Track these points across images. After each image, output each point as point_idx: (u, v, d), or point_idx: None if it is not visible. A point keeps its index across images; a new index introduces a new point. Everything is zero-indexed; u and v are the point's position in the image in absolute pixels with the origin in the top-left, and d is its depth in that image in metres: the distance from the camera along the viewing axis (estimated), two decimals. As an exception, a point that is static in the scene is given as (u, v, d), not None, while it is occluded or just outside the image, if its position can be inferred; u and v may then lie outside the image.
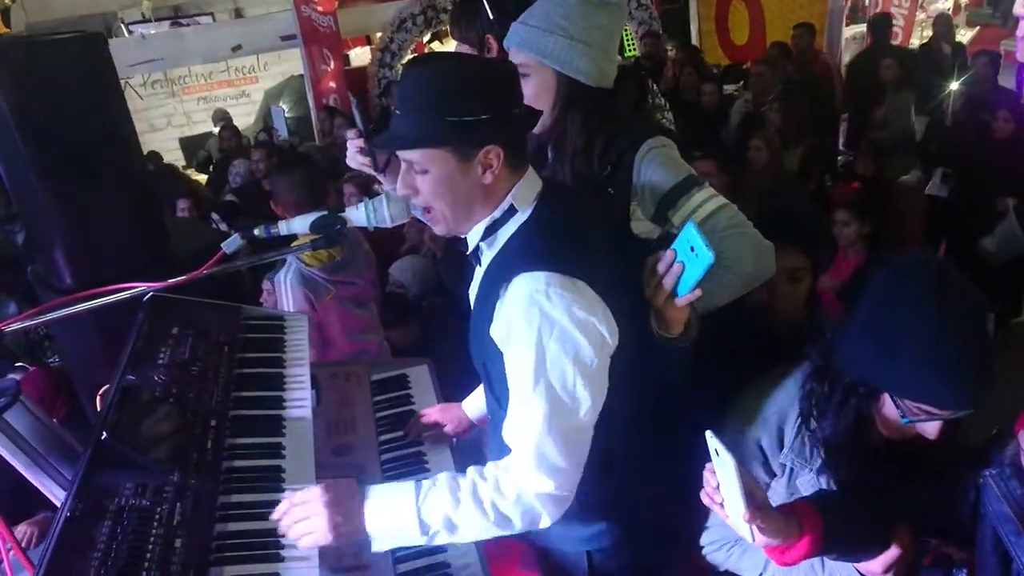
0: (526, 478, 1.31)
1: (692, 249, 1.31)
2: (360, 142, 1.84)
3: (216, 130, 8.02)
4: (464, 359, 3.07)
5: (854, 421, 1.40)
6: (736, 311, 1.64)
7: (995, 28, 10.61)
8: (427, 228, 4.03)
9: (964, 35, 9.79)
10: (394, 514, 1.33)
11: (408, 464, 1.83)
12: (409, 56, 8.91)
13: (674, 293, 1.36)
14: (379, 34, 8.02)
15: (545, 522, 1.34)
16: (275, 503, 1.43)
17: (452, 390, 2.11)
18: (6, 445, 1.40)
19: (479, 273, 1.46)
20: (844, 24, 8.09)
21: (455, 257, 3.56)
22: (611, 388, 1.36)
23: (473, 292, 1.51)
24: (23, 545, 2.95)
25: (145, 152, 4.59)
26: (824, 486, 1.49)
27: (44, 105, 2.28)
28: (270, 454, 1.56)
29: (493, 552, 1.61)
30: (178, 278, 1.42)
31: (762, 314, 1.86)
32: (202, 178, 7.34)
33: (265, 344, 1.92)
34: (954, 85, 5.64)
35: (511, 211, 1.38)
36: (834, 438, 1.42)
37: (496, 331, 1.36)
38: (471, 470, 1.37)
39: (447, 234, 1.42)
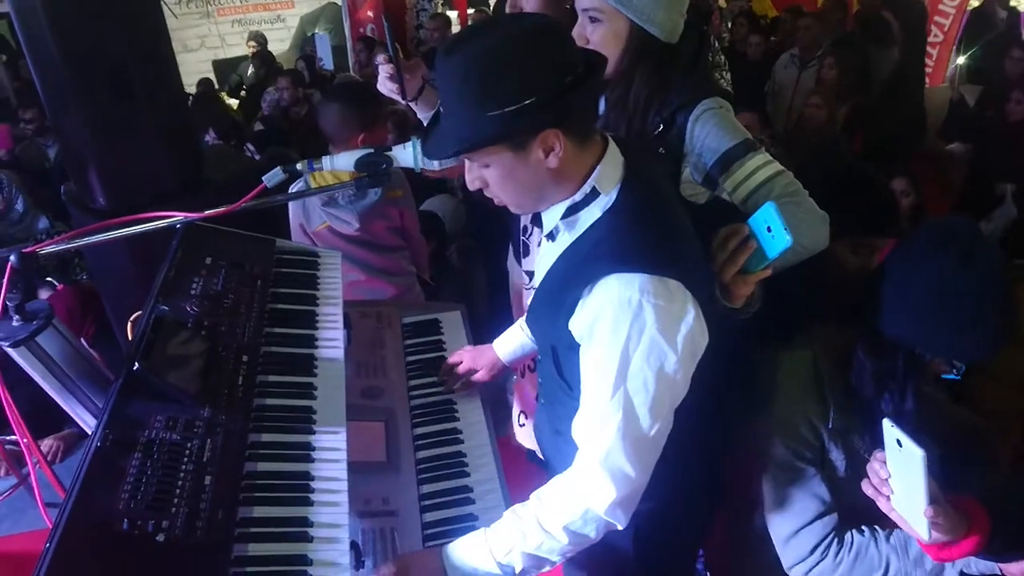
0: (593, 489, 1.27)
1: (769, 229, 1.27)
2: (390, 67, 1.77)
3: (250, 53, 7.91)
4: (495, 305, 3.04)
5: (913, 390, 1.37)
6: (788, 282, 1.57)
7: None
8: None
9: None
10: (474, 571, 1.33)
11: (438, 413, 1.80)
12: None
13: (743, 269, 1.31)
14: (419, -36, 7.82)
15: (620, 526, 1.32)
16: (305, 445, 1.42)
17: (482, 333, 2.08)
18: (37, 368, 1.38)
19: (551, 250, 1.37)
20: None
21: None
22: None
23: (541, 268, 1.42)
24: (48, 459, 3.00)
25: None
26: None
27: (83, 21, 2.22)
28: (302, 394, 1.53)
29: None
30: (216, 210, 1.37)
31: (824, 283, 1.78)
32: (233, 103, 7.26)
33: (299, 280, 1.88)
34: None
35: (593, 194, 1.28)
36: (898, 414, 1.38)
37: (577, 327, 1.28)
38: (533, 497, 1.35)
39: (522, 214, 1.34)
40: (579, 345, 1.30)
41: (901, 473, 1.20)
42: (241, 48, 9.32)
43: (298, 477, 1.34)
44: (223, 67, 8.87)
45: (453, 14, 7.88)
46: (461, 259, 3.78)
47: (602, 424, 1.26)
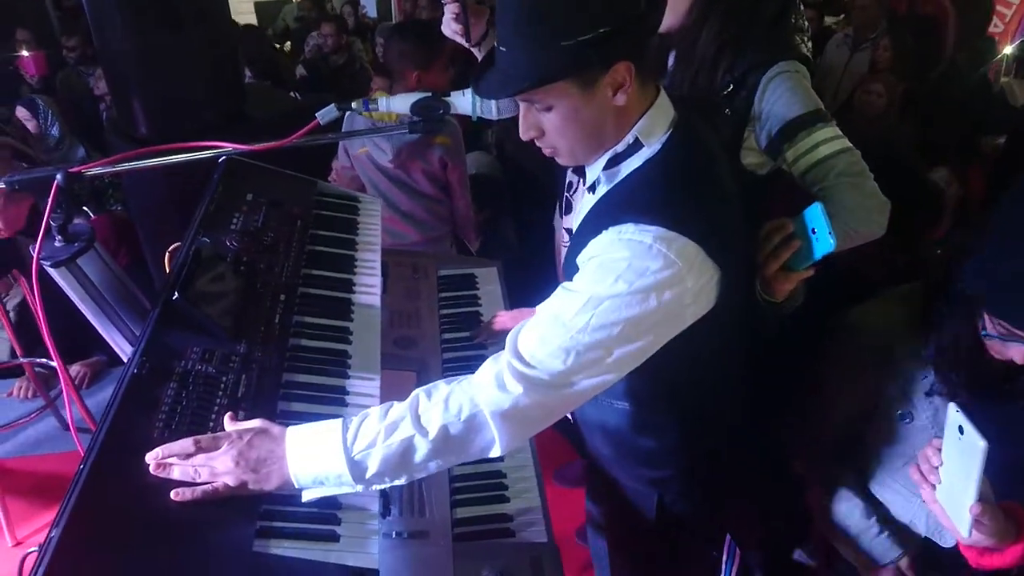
0: (491, 386, 1.13)
1: (813, 231, 1.23)
2: (456, 7, 1.70)
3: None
4: (526, 262, 3.00)
5: (961, 334, 1.29)
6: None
7: None
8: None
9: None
10: (319, 450, 1.14)
11: (470, 367, 1.76)
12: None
13: (787, 266, 1.27)
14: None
15: (495, 451, 1.16)
16: (339, 388, 1.40)
17: (518, 293, 2.05)
18: (76, 291, 1.37)
19: (589, 201, 1.31)
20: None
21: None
22: (696, 339, 1.21)
23: (576, 220, 1.36)
24: (75, 384, 3.02)
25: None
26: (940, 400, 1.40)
27: (134, -57, 2.18)
28: (337, 338, 1.51)
29: (553, 496, 1.55)
30: (266, 144, 1.34)
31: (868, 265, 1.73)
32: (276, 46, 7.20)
33: (338, 224, 1.85)
34: None
35: (636, 145, 1.20)
36: (941, 353, 1.34)
37: (581, 257, 1.21)
38: (418, 390, 1.18)
39: (573, 165, 1.26)
40: None
41: (955, 463, 1.15)
42: (284, -10, 9.23)
43: (332, 418, 1.32)
44: (265, 8, 8.79)
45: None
46: (496, 218, 3.73)
47: (544, 334, 1.13)
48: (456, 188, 2.90)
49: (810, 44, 1.61)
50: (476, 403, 1.13)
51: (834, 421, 1.57)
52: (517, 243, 3.60)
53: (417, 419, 1.13)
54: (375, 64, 5.46)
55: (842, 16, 6.86)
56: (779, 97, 1.51)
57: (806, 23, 1.64)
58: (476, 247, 3.28)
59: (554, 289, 1.79)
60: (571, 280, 1.19)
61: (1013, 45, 5.79)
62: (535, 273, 3.02)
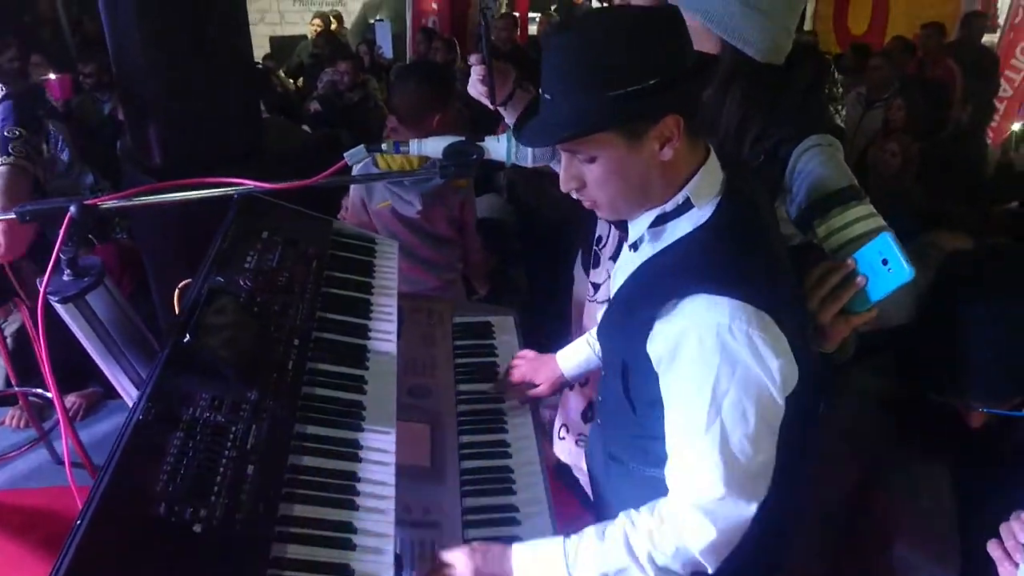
0: (691, 528, 1.16)
1: (885, 262, 1.16)
2: (482, 69, 1.68)
3: (310, 34, 7.89)
4: (539, 311, 2.94)
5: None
6: None
7: None
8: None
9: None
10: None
11: (486, 423, 1.71)
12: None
13: (845, 309, 1.20)
14: (488, -39, 7.76)
15: (710, 570, 1.20)
16: (353, 442, 1.33)
17: (528, 341, 1.99)
18: (83, 328, 1.30)
19: (632, 260, 1.26)
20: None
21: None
22: None
23: (619, 278, 1.31)
24: (70, 415, 2.94)
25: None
26: None
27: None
28: (352, 387, 1.44)
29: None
30: (291, 183, 1.29)
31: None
32: (290, 83, 7.22)
33: (354, 265, 1.80)
34: None
35: (686, 205, 1.17)
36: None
37: (655, 350, 1.16)
38: (622, 517, 1.23)
39: (613, 219, 1.23)
40: (654, 370, 1.19)
41: None
42: (300, 27, 9.34)
43: (344, 477, 1.25)
44: (280, 43, 8.88)
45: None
46: (507, 264, 3.68)
47: (697, 462, 1.14)
48: (469, 228, 2.86)
49: (844, 112, 1.57)
50: (688, 548, 1.16)
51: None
52: (527, 290, 3.55)
53: (633, 555, 1.19)
54: (389, 103, 5.48)
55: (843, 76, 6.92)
56: (812, 171, 1.46)
57: (840, 91, 1.60)
58: (485, 291, 3.23)
59: (567, 340, 1.72)
60: (612, 342, 1.21)
61: (1021, 123, 5.85)
62: (546, 321, 2.96)
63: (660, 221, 1.19)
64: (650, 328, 1.17)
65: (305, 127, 4.68)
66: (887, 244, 1.16)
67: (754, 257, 1.17)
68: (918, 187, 4.30)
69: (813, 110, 1.55)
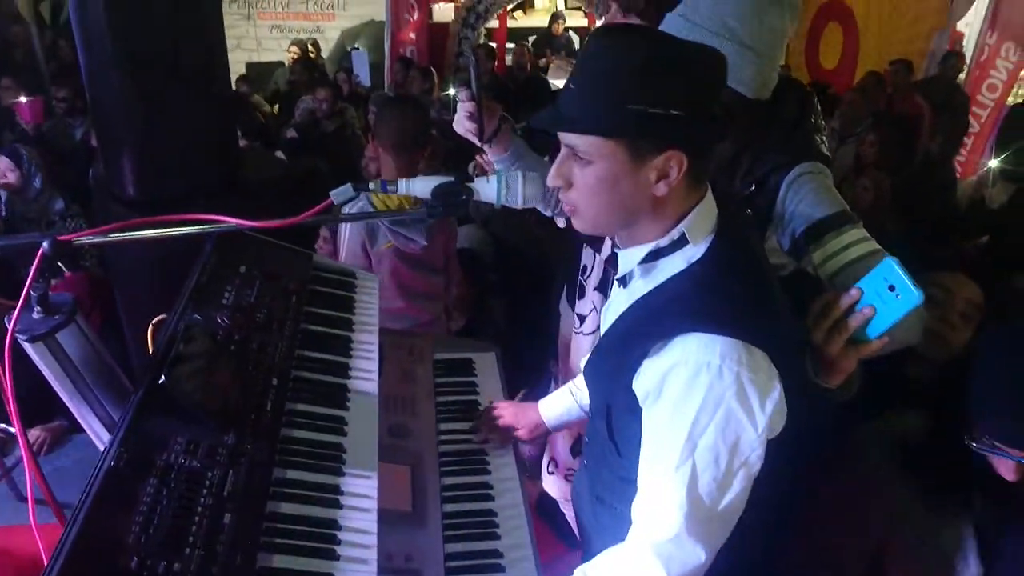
0: (645, 572, 1.13)
1: (892, 288, 1.12)
2: (471, 106, 1.66)
3: (287, 61, 7.88)
4: (518, 348, 2.91)
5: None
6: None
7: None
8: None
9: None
10: None
11: (468, 464, 1.67)
12: (493, 21, 8.72)
13: (854, 339, 1.16)
14: (467, -7, 7.82)
15: None
16: (333, 488, 1.29)
17: (508, 376, 1.97)
18: (52, 367, 1.25)
19: (622, 297, 1.25)
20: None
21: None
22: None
23: (609, 316, 1.29)
24: (34, 450, 2.85)
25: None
26: None
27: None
28: (332, 429, 1.40)
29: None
30: (274, 221, 1.25)
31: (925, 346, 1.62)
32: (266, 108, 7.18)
33: (334, 301, 1.76)
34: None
35: (681, 242, 1.15)
36: None
37: (641, 387, 1.14)
38: (577, 572, 1.21)
39: (587, 232, 1.20)
40: (639, 407, 1.17)
41: None
42: (277, 54, 9.32)
43: (324, 525, 1.21)
44: (257, 69, 8.85)
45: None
46: (487, 296, 3.65)
47: (661, 499, 1.12)
48: (453, 256, 2.85)
49: (828, 142, 1.58)
50: None
51: None
52: (506, 321, 3.52)
53: None
54: (376, 134, 5.47)
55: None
56: (803, 198, 1.47)
57: (823, 123, 1.62)
58: (462, 323, 3.19)
59: (547, 375, 1.69)
60: (598, 382, 1.18)
61: (997, 160, 5.97)
62: (524, 353, 2.93)
63: (654, 256, 1.17)
64: (639, 366, 1.15)
65: (280, 154, 4.64)
66: (892, 269, 1.13)
67: (749, 294, 1.15)
68: (892, 222, 4.36)
69: (800, 139, 1.56)
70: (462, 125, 1.69)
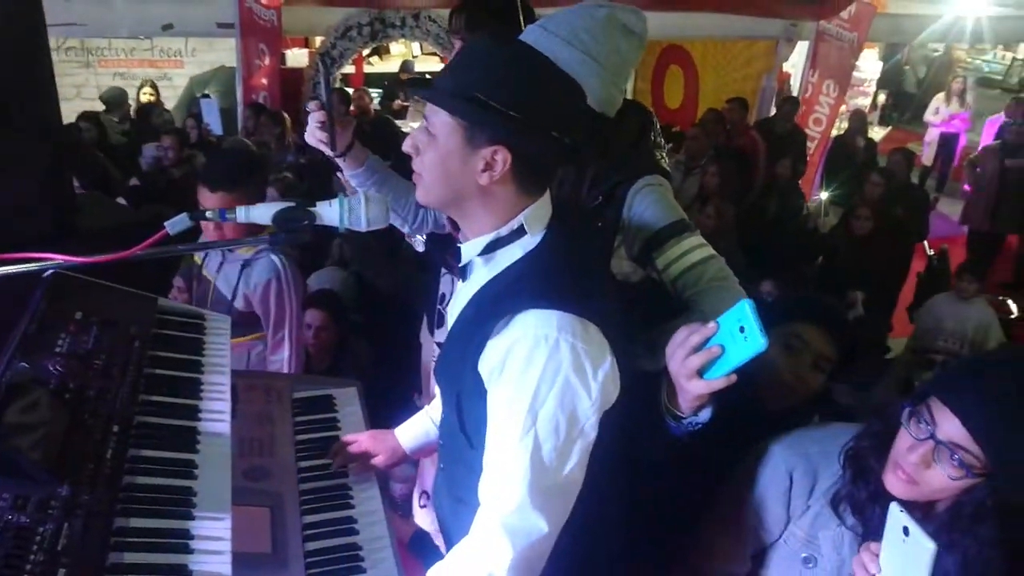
0: (494, 549, 1.15)
1: (742, 329, 1.13)
2: (321, 115, 1.66)
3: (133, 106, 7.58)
4: (383, 386, 2.88)
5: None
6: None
7: (904, 130, 11.38)
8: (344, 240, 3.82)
9: (877, 133, 10.38)
10: None
11: (330, 499, 1.64)
12: (349, 66, 8.72)
13: (702, 373, 1.18)
14: (319, 38, 7.78)
15: None
16: (182, 532, 1.22)
17: (375, 416, 1.94)
18: None
19: (463, 290, 1.31)
20: (773, 105, 8.44)
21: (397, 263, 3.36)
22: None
23: (454, 310, 1.35)
24: None
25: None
26: (848, 548, 1.34)
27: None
28: (180, 473, 1.34)
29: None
30: (106, 255, 1.20)
31: (773, 392, 1.68)
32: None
33: (182, 344, 1.69)
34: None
35: (519, 232, 1.23)
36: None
37: (485, 366, 1.20)
38: (430, 573, 1.24)
39: (425, 204, 1.28)
40: (485, 388, 1.22)
41: (897, 569, 1.08)
42: (120, 101, 8.91)
43: (173, 571, 1.15)
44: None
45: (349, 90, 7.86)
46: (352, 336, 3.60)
47: (506, 471, 1.17)
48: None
49: (667, 159, 1.70)
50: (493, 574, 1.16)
51: (736, 553, 1.52)
52: (370, 362, 3.48)
53: None
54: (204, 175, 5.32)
55: (670, 145, 7.47)
56: (646, 208, 1.58)
57: (663, 141, 1.75)
58: (323, 366, 3.13)
59: (415, 410, 1.71)
60: (448, 375, 1.27)
61: (826, 191, 6.51)
62: (391, 391, 2.91)
63: (493, 247, 1.25)
64: (483, 347, 1.21)
65: (121, 200, 4.43)
66: (744, 313, 1.14)
67: (581, 277, 1.25)
68: (739, 250, 4.65)
69: (643, 155, 1.68)
70: (313, 135, 1.70)
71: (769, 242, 5.60)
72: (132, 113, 7.71)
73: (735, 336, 1.14)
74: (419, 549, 2.45)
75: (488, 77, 1.14)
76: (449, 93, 1.16)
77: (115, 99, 7.86)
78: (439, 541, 2.28)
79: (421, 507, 2.30)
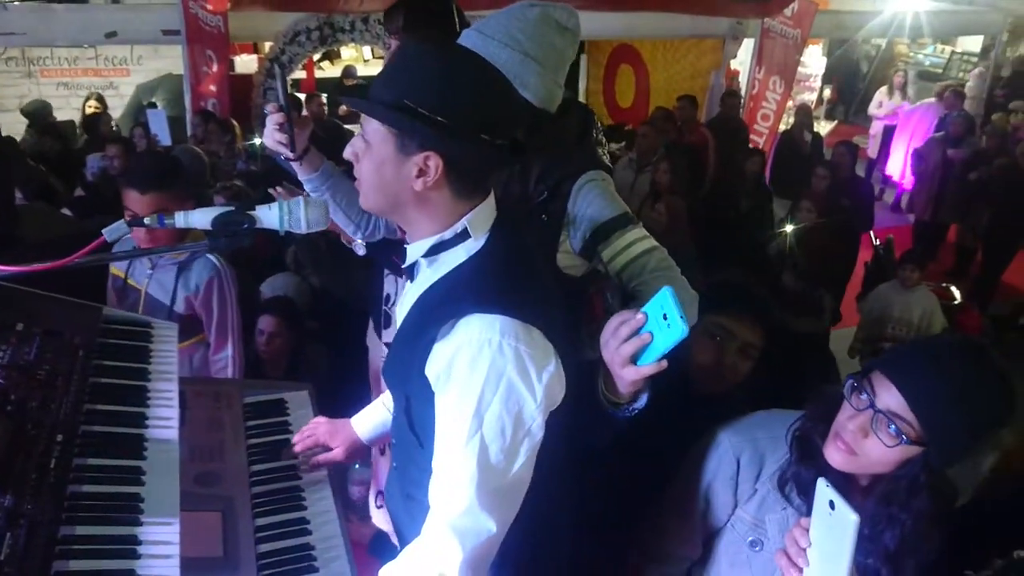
0: (444, 550, 1.17)
1: (665, 317, 1.15)
2: (279, 117, 1.66)
3: (78, 119, 7.42)
4: (341, 392, 2.88)
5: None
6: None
7: (850, 125, 11.64)
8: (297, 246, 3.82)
9: (824, 127, 10.60)
10: None
11: (282, 501, 1.64)
12: (300, 72, 8.65)
13: (634, 360, 1.21)
14: (268, 44, 7.71)
15: None
16: (130, 538, 1.23)
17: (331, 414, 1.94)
18: None
19: (411, 291, 1.32)
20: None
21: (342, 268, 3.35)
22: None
23: (401, 311, 1.36)
24: None
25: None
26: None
27: None
28: (127, 480, 1.34)
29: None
30: (44, 263, 1.19)
31: (703, 378, 1.74)
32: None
33: (127, 353, 1.69)
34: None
35: (463, 235, 1.24)
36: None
37: (432, 370, 1.21)
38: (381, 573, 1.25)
39: (367, 209, 1.29)
40: (433, 392, 1.23)
41: (825, 543, 1.12)
42: (65, 112, 8.70)
43: (119, 577, 1.15)
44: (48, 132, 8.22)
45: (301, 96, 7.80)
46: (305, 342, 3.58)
47: (454, 474, 1.19)
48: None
49: (608, 155, 1.74)
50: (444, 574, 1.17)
51: (687, 538, 1.56)
52: (327, 369, 3.47)
53: None
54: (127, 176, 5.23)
55: (623, 143, 7.55)
56: (591, 202, 1.62)
57: (604, 139, 1.78)
58: (279, 373, 3.12)
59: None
60: (397, 377, 1.28)
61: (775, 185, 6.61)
62: (347, 394, 2.91)
63: (436, 249, 1.26)
64: (429, 351, 1.22)
65: (66, 211, 4.35)
66: (667, 300, 1.15)
67: (524, 280, 1.27)
68: (691, 243, 4.70)
69: (586, 151, 1.71)
70: (272, 138, 1.69)
71: (738, 240, 5.65)
72: (78, 126, 7.52)
73: (660, 323, 1.17)
74: (379, 550, 2.46)
75: (417, 83, 1.15)
76: (379, 101, 1.17)
77: (37, 111, 7.65)
78: (396, 540, 2.30)
79: (378, 507, 2.31)
